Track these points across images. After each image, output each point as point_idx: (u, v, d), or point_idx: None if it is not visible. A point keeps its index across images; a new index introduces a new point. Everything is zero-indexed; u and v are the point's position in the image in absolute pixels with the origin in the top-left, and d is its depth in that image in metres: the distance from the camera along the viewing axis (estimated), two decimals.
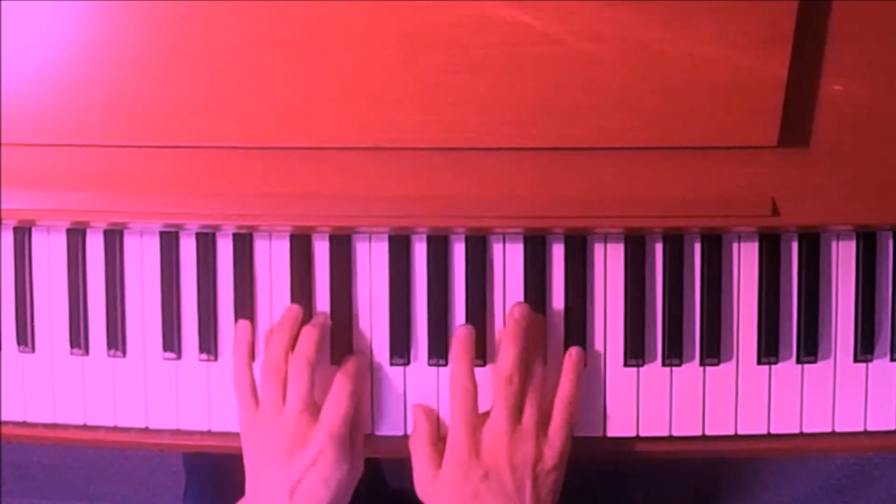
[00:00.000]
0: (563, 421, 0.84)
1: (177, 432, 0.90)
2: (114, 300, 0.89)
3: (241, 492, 0.86)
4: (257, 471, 0.84)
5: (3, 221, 0.87)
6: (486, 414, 0.84)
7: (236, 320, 0.88)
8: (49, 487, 1.63)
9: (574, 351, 0.87)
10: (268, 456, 0.83)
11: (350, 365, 0.85)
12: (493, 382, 0.84)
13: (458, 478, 0.82)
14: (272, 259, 0.88)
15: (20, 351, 0.90)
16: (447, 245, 0.88)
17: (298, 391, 0.83)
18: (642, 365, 0.88)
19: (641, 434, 0.89)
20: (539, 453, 0.82)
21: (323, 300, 0.88)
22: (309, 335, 0.85)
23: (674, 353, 0.88)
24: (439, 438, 0.86)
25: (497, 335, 0.88)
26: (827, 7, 0.80)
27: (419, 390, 0.89)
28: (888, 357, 0.89)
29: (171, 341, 0.89)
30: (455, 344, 0.86)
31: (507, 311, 0.88)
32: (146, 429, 0.90)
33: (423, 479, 0.84)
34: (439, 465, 0.84)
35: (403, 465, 0.86)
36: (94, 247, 0.89)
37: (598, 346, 0.88)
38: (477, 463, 0.82)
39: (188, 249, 0.89)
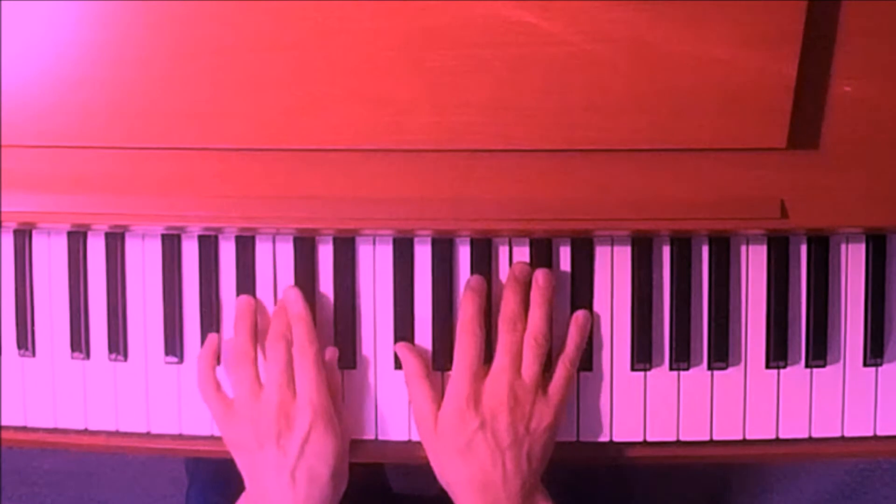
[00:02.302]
0: (563, 380, 0.84)
1: (179, 437, 0.89)
2: (115, 304, 0.88)
3: None
4: (251, 462, 0.83)
5: (4, 224, 0.86)
6: (489, 367, 0.83)
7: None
8: (49, 493, 1.63)
9: (581, 313, 0.86)
10: (257, 443, 0.82)
11: (301, 336, 0.84)
12: (498, 333, 0.84)
13: (454, 425, 0.81)
14: (275, 262, 0.88)
15: (21, 355, 0.89)
16: (452, 248, 0.87)
17: (278, 367, 0.83)
18: (649, 369, 0.88)
19: (649, 439, 0.88)
20: (537, 411, 0.82)
21: (326, 303, 0.88)
22: (279, 316, 0.85)
23: (681, 358, 0.87)
24: (432, 375, 0.85)
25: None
26: (836, 6, 0.79)
27: None
28: None
29: (173, 345, 0.88)
30: (467, 290, 0.85)
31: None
32: (148, 433, 0.89)
33: (423, 418, 0.83)
34: (438, 401, 0.83)
35: (408, 470, 0.86)
36: (96, 250, 0.88)
37: (605, 350, 0.88)
38: (475, 412, 0.81)
39: (190, 252, 0.88)
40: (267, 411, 0.82)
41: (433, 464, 0.83)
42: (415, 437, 0.87)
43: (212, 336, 0.87)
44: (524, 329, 0.83)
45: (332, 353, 0.87)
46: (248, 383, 0.83)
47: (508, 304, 0.84)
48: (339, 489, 0.83)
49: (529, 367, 0.82)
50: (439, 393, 0.84)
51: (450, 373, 0.86)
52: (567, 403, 0.85)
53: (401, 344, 0.87)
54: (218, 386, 0.86)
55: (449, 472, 0.82)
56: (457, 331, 0.85)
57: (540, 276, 0.85)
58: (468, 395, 0.81)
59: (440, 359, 0.87)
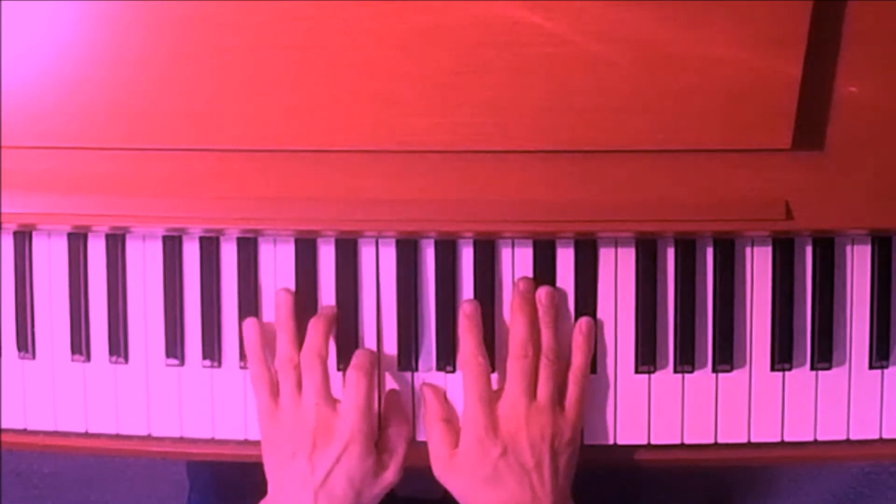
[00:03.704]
0: (577, 394, 0.84)
1: (180, 440, 0.89)
2: (116, 306, 0.88)
3: (245, 500, 0.85)
4: (279, 469, 0.83)
5: (4, 225, 0.86)
6: (500, 390, 0.83)
7: (240, 326, 0.87)
8: (50, 496, 1.63)
9: (584, 321, 0.86)
10: (291, 452, 0.82)
11: (361, 358, 0.84)
12: (508, 358, 0.83)
13: (476, 456, 0.81)
14: (277, 263, 0.87)
15: (21, 357, 0.89)
16: (455, 249, 0.87)
17: (313, 384, 0.82)
18: (654, 372, 0.87)
19: (653, 442, 0.88)
20: (556, 427, 0.82)
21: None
22: (316, 327, 0.84)
23: (686, 360, 0.87)
24: (452, 416, 0.85)
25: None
26: (842, 7, 0.79)
27: None
28: None
29: (174, 347, 0.88)
30: (462, 319, 0.85)
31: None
32: (149, 436, 0.89)
33: (439, 458, 0.83)
34: (455, 443, 0.83)
35: (411, 473, 0.85)
36: (96, 251, 0.88)
37: (609, 352, 0.87)
38: (494, 440, 0.81)
39: (191, 254, 0.88)
40: (305, 424, 0.82)
41: (459, 497, 0.83)
42: (419, 440, 0.87)
43: (250, 324, 0.86)
44: (535, 352, 0.83)
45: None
46: (290, 391, 0.83)
47: (517, 329, 0.84)
48: None
49: (544, 387, 0.83)
50: (457, 437, 0.83)
51: (453, 375, 0.87)
52: (583, 413, 0.85)
53: (426, 385, 0.87)
54: (270, 382, 0.84)
55: (478, 502, 0.82)
56: (459, 362, 0.85)
57: (543, 295, 0.85)
58: (485, 424, 0.81)
59: (443, 360, 0.87)
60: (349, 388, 0.82)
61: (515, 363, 0.83)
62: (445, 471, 0.83)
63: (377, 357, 0.87)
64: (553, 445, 0.81)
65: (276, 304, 0.86)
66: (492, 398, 0.82)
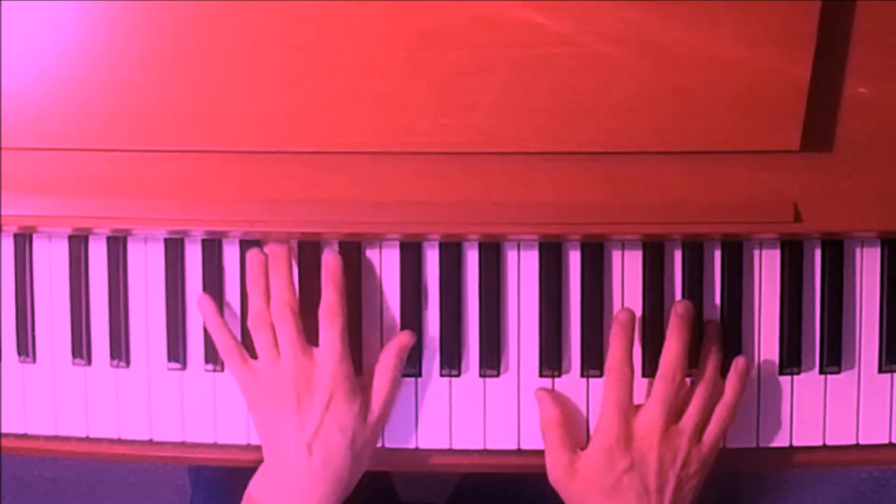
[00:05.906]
0: (720, 430, 0.83)
1: (182, 445, 0.88)
2: (117, 309, 0.87)
3: None
4: (271, 431, 0.82)
5: (4, 228, 0.85)
6: (640, 405, 0.82)
7: (243, 329, 0.86)
8: (50, 501, 1.62)
9: (741, 360, 0.84)
10: (276, 411, 0.81)
11: (330, 300, 0.83)
12: (655, 378, 0.82)
13: (602, 464, 0.80)
14: None
15: (21, 361, 0.88)
16: (460, 252, 0.86)
17: (288, 336, 0.81)
18: None
19: None
20: (689, 456, 0.81)
21: None
22: (277, 277, 0.83)
23: (693, 364, 0.86)
24: (568, 419, 0.84)
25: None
26: (851, 7, 0.79)
27: (430, 403, 0.87)
28: None
29: (176, 351, 0.87)
30: (616, 327, 0.83)
31: (523, 320, 0.86)
32: (150, 441, 0.88)
33: (557, 463, 0.82)
34: (573, 447, 0.82)
35: (414, 478, 0.84)
36: (97, 254, 0.87)
37: None
38: (624, 453, 0.80)
39: (193, 256, 0.87)
40: (285, 379, 0.81)
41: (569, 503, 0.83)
42: (422, 445, 0.87)
43: (202, 297, 0.86)
44: (682, 379, 0.82)
45: (408, 338, 0.85)
46: (267, 348, 0.82)
47: (670, 351, 0.82)
48: (355, 471, 0.82)
49: (693, 415, 0.81)
50: (574, 441, 0.83)
51: (457, 378, 0.86)
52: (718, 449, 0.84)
53: (541, 389, 0.86)
54: (236, 343, 0.84)
55: None
56: (605, 369, 0.83)
57: (712, 328, 0.84)
58: (618, 434, 0.80)
59: (447, 364, 0.86)
60: (323, 334, 0.82)
61: (661, 385, 0.81)
62: (563, 475, 0.82)
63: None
64: (680, 473, 0.80)
65: (248, 269, 0.85)
66: (630, 411, 0.81)
